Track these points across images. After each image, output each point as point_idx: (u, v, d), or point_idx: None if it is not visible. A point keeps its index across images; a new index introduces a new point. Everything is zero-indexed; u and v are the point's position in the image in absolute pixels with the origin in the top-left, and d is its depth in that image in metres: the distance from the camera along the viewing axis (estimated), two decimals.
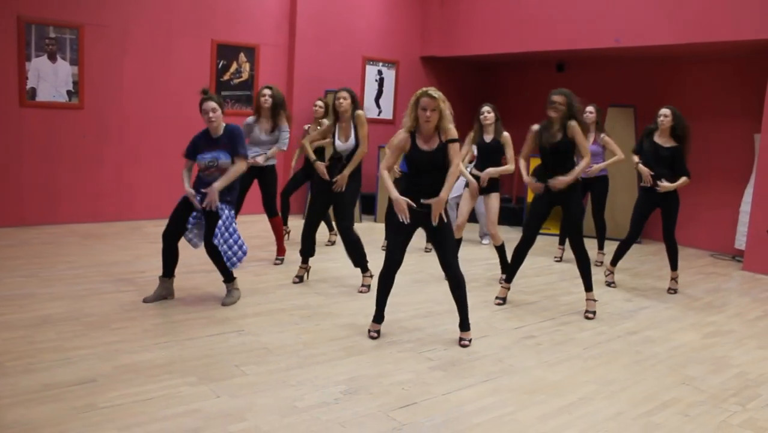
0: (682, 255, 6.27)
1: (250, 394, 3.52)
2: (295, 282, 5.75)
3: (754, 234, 7.26)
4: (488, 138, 6.01)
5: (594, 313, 5.29)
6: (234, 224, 4.90)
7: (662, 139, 5.97)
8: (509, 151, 5.96)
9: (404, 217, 4.24)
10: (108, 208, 7.89)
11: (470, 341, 4.50)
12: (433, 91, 4.20)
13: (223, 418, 3.24)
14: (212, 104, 4.82)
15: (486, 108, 6.04)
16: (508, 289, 5.57)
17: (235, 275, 5.11)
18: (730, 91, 8.22)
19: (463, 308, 4.49)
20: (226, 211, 4.85)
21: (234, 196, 4.99)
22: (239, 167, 4.90)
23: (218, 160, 4.85)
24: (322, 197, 5.65)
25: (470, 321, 4.57)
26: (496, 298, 5.54)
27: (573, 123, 5.09)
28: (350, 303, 5.28)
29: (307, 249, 5.72)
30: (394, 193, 4.26)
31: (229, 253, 4.84)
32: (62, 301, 4.86)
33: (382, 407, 3.48)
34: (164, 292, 5.01)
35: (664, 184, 5.88)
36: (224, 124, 4.95)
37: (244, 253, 4.94)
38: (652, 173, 5.92)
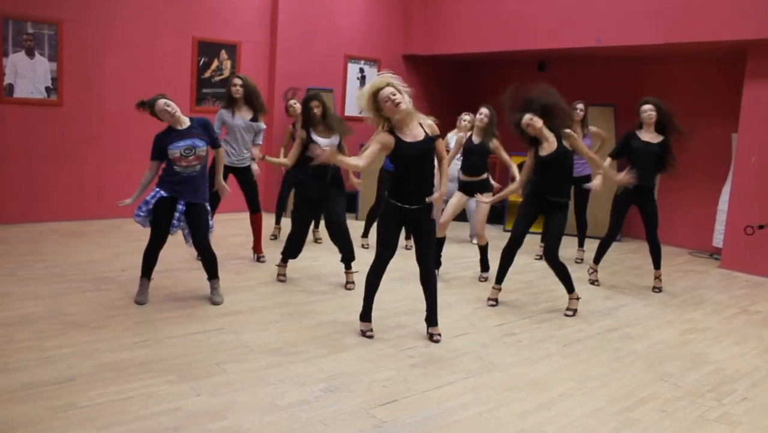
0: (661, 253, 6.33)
1: (230, 392, 3.52)
2: (282, 281, 5.74)
3: (732, 232, 7.36)
4: (477, 140, 6.03)
5: (573, 311, 5.33)
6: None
7: (650, 136, 6.01)
8: (505, 155, 6.05)
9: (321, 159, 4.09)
10: (88, 207, 7.81)
11: (440, 335, 4.53)
12: (384, 80, 4.14)
13: (203, 416, 3.23)
14: (163, 100, 4.74)
15: (485, 111, 6.02)
16: (499, 290, 5.52)
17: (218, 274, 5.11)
18: (708, 90, 8.31)
19: (434, 304, 4.52)
20: (208, 207, 4.96)
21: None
22: (222, 155, 5.29)
23: (195, 147, 4.74)
24: (313, 200, 5.62)
25: (452, 319, 4.59)
26: (489, 299, 5.51)
27: (568, 131, 5.17)
28: (331, 301, 5.28)
29: (296, 253, 5.70)
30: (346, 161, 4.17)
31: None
32: (41, 300, 4.82)
33: (363, 404, 3.48)
34: (147, 291, 4.97)
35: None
36: (187, 117, 4.90)
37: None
38: (631, 180, 5.83)
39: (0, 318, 4.38)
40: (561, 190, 5.24)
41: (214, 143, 4.96)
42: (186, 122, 4.83)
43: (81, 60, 7.52)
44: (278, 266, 5.80)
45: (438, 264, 6.24)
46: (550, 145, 5.16)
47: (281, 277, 5.75)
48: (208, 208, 4.95)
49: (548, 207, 5.25)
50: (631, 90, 8.79)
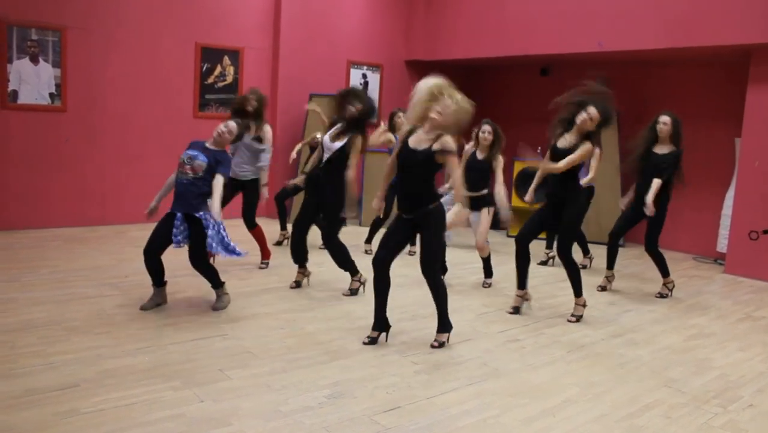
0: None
1: (234, 398, 3.51)
2: (292, 287, 5.73)
3: (736, 237, 7.34)
4: (481, 156, 5.97)
5: (577, 317, 5.30)
6: (223, 230, 4.75)
7: (661, 148, 5.96)
8: (500, 174, 5.92)
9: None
10: (92, 212, 7.82)
11: (441, 344, 4.49)
12: (449, 97, 4.07)
13: (206, 423, 3.23)
14: (233, 125, 4.95)
15: (487, 128, 5.92)
16: (522, 296, 5.43)
17: (223, 280, 5.08)
18: (711, 95, 8.30)
19: (441, 312, 4.50)
20: (211, 222, 4.69)
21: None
22: (220, 182, 4.73)
23: (195, 159, 4.76)
24: (313, 205, 5.62)
25: (456, 325, 4.57)
26: (512, 307, 5.42)
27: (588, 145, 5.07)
28: (335, 307, 5.27)
29: (301, 257, 5.70)
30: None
31: (231, 246, 4.70)
32: (44, 305, 4.82)
33: (367, 411, 3.48)
34: (159, 299, 4.95)
35: (649, 205, 5.87)
36: (220, 150, 4.88)
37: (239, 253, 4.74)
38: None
39: (4, 324, 4.38)
40: (568, 184, 5.19)
41: (219, 172, 4.78)
42: (217, 147, 4.90)
43: (85, 66, 7.54)
44: (298, 272, 5.78)
45: (444, 269, 6.22)
46: (571, 141, 5.12)
47: (294, 284, 5.73)
48: (208, 222, 4.68)
49: (560, 204, 5.20)
50: (635, 95, 8.79)
